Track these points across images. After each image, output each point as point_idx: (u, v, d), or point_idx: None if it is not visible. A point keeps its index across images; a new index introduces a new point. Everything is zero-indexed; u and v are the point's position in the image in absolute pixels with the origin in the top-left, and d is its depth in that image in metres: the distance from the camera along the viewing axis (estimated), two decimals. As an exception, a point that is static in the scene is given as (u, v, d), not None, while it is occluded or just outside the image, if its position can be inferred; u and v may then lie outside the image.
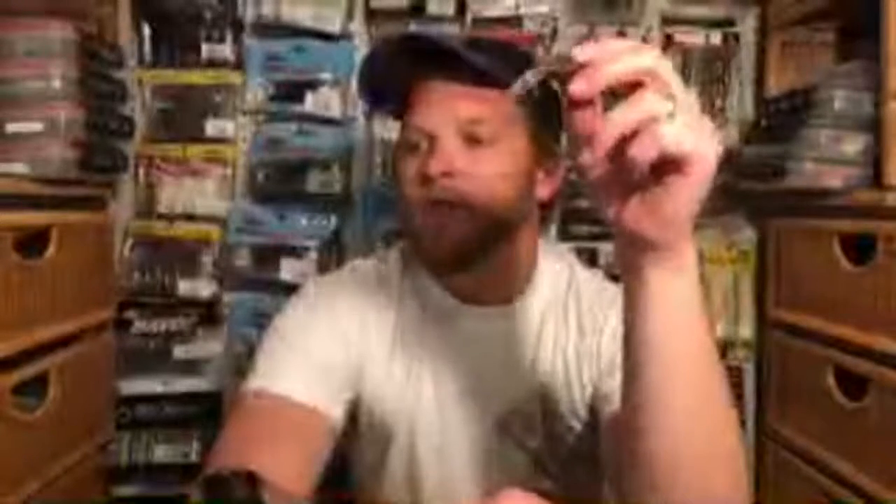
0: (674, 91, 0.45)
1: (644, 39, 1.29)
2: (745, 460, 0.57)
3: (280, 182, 1.29)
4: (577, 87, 0.45)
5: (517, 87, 0.48)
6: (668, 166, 0.46)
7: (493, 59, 0.74)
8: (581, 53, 0.45)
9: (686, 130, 0.44)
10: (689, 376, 0.52)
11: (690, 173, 0.46)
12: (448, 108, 0.76)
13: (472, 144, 0.75)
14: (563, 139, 0.82)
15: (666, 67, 0.45)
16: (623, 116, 0.44)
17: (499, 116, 0.76)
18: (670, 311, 0.51)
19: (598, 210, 0.51)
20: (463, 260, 0.78)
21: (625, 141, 0.44)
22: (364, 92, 0.84)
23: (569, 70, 0.45)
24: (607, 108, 0.45)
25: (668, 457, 0.53)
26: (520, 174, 0.78)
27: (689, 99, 0.46)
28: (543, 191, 0.83)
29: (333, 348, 0.79)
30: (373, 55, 0.80)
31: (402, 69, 0.78)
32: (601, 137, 0.45)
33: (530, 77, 0.47)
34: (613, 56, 0.45)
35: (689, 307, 0.51)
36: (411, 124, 0.78)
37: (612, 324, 0.80)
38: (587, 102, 0.46)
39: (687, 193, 0.47)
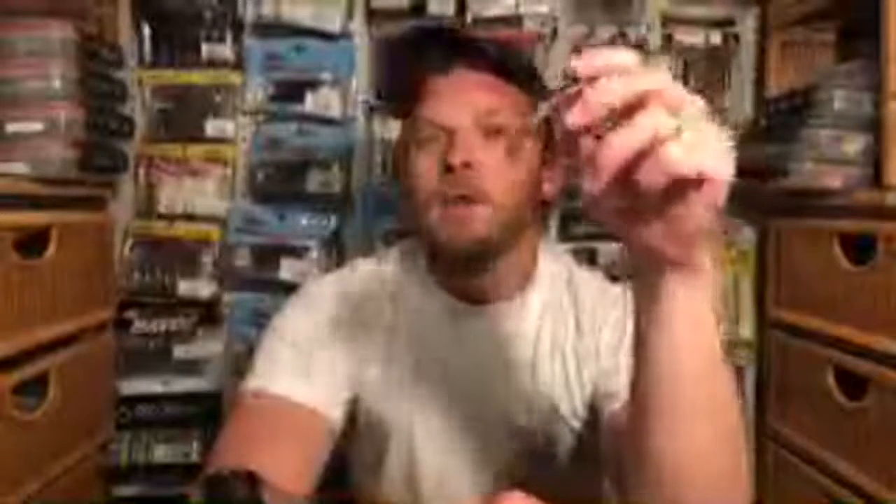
0: (678, 104, 0.41)
1: (643, 39, 1.29)
2: (747, 457, 0.57)
3: (280, 182, 1.29)
4: (572, 118, 0.41)
5: (537, 117, 0.44)
6: (680, 184, 0.42)
7: (500, 51, 0.74)
8: (582, 67, 0.41)
9: (695, 146, 0.40)
10: (700, 385, 0.51)
11: (705, 189, 0.42)
12: (465, 100, 0.76)
13: (488, 136, 0.76)
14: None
15: (668, 82, 0.41)
16: (623, 140, 0.40)
17: (512, 109, 0.77)
18: (686, 325, 0.49)
19: (605, 228, 0.48)
20: (483, 258, 0.78)
21: (629, 163, 0.41)
22: (381, 87, 0.84)
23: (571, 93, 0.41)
24: (605, 128, 0.41)
25: (674, 456, 0.52)
26: (532, 169, 0.78)
27: (696, 109, 0.42)
28: (548, 189, 0.83)
29: (332, 348, 0.79)
30: (390, 48, 0.80)
31: (412, 63, 0.78)
32: (602, 165, 0.40)
33: (544, 110, 0.44)
34: (610, 74, 0.40)
35: (704, 319, 0.49)
36: (425, 117, 0.77)
37: (612, 323, 0.81)
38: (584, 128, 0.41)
39: (702, 209, 0.43)
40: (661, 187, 0.41)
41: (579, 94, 0.41)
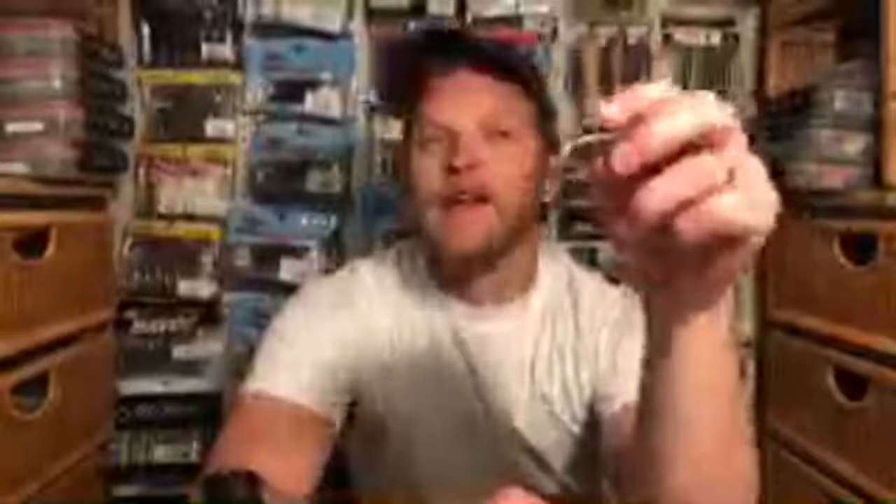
0: (733, 149, 0.35)
1: (644, 39, 1.29)
2: (756, 473, 0.55)
3: (280, 182, 1.29)
4: (622, 159, 0.34)
5: (567, 150, 0.40)
6: (724, 237, 0.36)
7: (503, 53, 0.75)
8: (613, 111, 0.35)
9: (746, 203, 0.35)
10: (715, 416, 0.49)
11: (742, 247, 0.37)
12: (468, 101, 0.76)
13: (491, 138, 0.76)
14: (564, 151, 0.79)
15: (727, 118, 0.36)
16: (673, 187, 0.34)
17: (516, 110, 0.77)
18: (705, 361, 0.45)
19: (624, 266, 0.43)
20: (487, 259, 0.78)
21: (672, 212, 0.35)
22: (382, 86, 0.84)
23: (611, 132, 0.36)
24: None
25: (686, 480, 0.51)
26: (534, 171, 0.79)
27: (749, 158, 0.36)
28: (550, 189, 0.83)
29: (331, 350, 0.79)
30: (392, 48, 0.80)
31: (415, 62, 0.78)
32: (642, 212, 0.34)
33: (575, 144, 0.38)
34: (662, 110, 0.34)
35: (723, 351, 0.46)
36: (427, 117, 0.77)
37: (612, 324, 0.80)
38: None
39: (734, 264, 0.39)
40: (698, 240, 0.35)
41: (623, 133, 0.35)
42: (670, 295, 0.43)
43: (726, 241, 0.37)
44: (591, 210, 1.22)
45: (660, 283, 0.42)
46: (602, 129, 0.36)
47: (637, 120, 0.35)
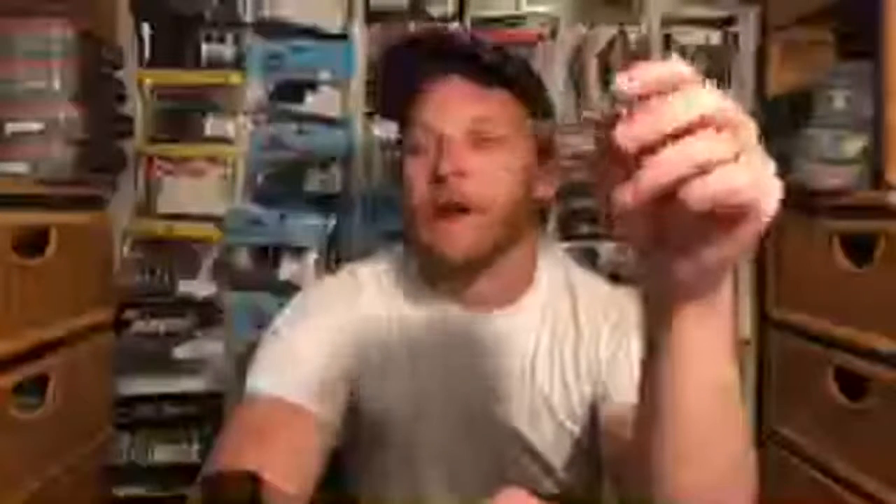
0: (735, 126, 0.37)
1: (644, 39, 1.29)
2: (754, 470, 0.55)
3: (280, 182, 1.29)
4: (624, 136, 0.36)
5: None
6: (725, 214, 0.37)
7: (497, 59, 0.74)
8: (625, 89, 0.36)
9: (752, 179, 0.36)
10: (714, 414, 0.49)
11: (750, 223, 0.38)
12: (457, 107, 0.76)
13: (480, 144, 0.76)
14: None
15: (729, 104, 0.37)
16: (677, 159, 0.35)
17: (505, 116, 0.77)
18: (698, 358, 0.46)
19: (624, 243, 0.45)
20: (475, 266, 0.78)
21: (677, 182, 0.36)
22: (382, 95, 0.85)
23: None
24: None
25: (687, 479, 0.51)
26: (526, 173, 0.79)
27: (751, 137, 0.38)
28: (545, 190, 0.83)
29: (331, 351, 0.79)
30: (389, 57, 0.80)
31: (407, 70, 0.78)
32: (650, 178, 0.36)
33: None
34: (667, 96, 0.36)
35: (717, 352, 0.46)
36: (419, 123, 0.77)
37: (611, 325, 0.80)
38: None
39: (738, 244, 0.39)
40: (701, 210, 0.36)
41: (630, 113, 0.36)
42: (668, 280, 0.43)
43: (727, 218, 0.37)
44: (592, 210, 1.23)
45: (658, 265, 0.42)
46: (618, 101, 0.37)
47: (652, 95, 0.36)
